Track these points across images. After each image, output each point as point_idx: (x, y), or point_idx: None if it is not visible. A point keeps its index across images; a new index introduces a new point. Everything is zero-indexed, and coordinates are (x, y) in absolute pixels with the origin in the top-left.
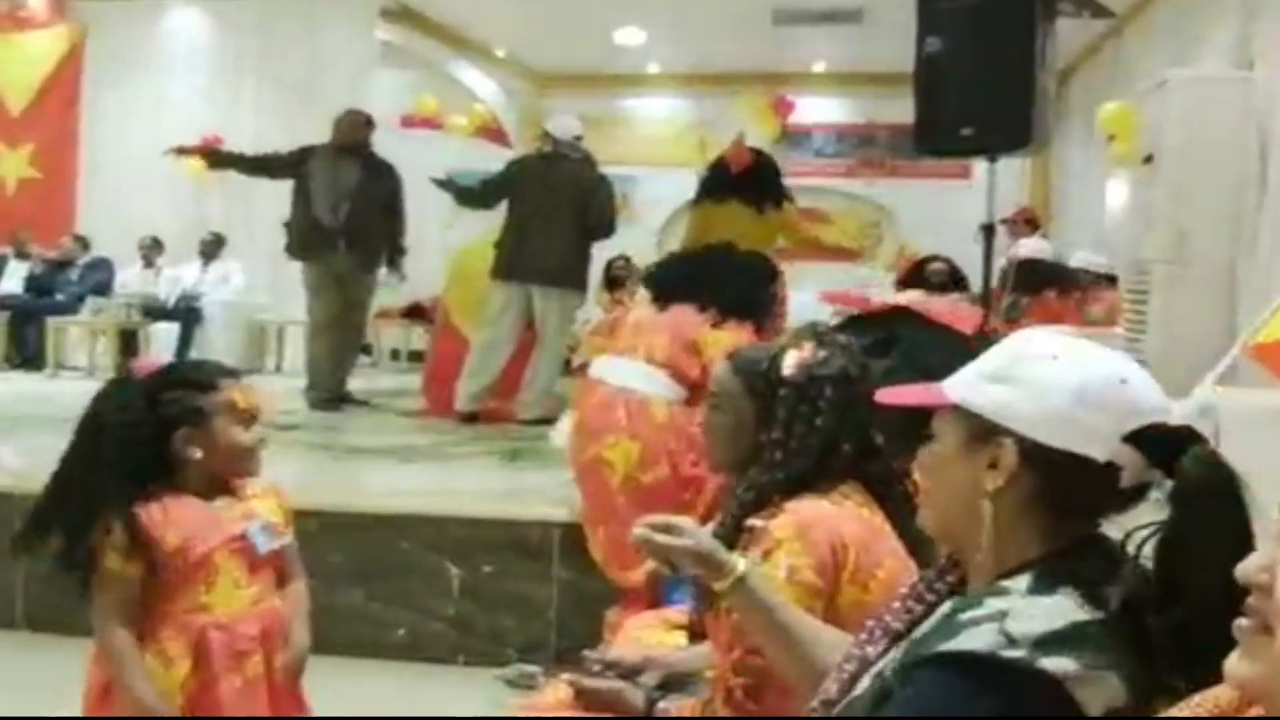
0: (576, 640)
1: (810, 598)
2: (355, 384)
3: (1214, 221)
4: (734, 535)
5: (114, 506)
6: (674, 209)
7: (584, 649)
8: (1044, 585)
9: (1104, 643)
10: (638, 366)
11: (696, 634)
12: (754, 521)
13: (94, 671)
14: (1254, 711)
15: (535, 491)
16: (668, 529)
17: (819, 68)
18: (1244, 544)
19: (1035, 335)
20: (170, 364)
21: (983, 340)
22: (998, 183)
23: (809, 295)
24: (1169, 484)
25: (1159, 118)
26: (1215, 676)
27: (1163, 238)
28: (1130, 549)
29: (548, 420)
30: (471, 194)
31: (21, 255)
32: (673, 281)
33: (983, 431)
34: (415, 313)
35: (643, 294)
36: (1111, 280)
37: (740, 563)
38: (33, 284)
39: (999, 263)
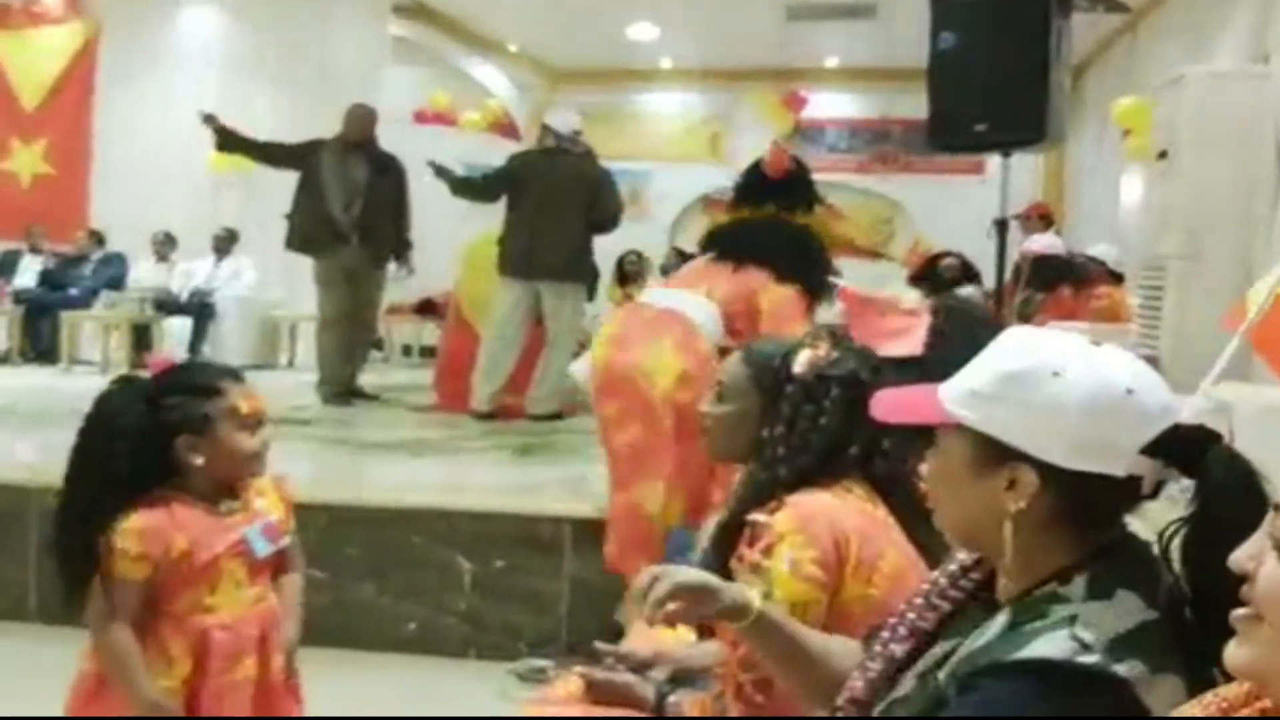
0: (588, 635)
1: (814, 591)
2: (367, 379)
3: (1229, 217)
4: (735, 530)
5: (115, 511)
6: (686, 204)
7: (595, 643)
8: (1100, 589)
9: (1166, 643)
10: (696, 299)
11: (705, 630)
12: (756, 516)
13: (86, 667)
14: (1262, 704)
15: (547, 486)
16: (659, 577)
17: (832, 63)
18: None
19: (1030, 344)
20: (173, 367)
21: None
22: (1011, 178)
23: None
24: (1184, 480)
25: (1174, 113)
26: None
27: (1177, 233)
28: (1159, 548)
29: (559, 415)
30: (469, 185)
31: (36, 250)
32: (741, 244)
33: (995, 454)
34: (427, 308)
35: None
36: (1114, 276)
37: (753, 600)
38: (47, 278)
39: (1012, 258)
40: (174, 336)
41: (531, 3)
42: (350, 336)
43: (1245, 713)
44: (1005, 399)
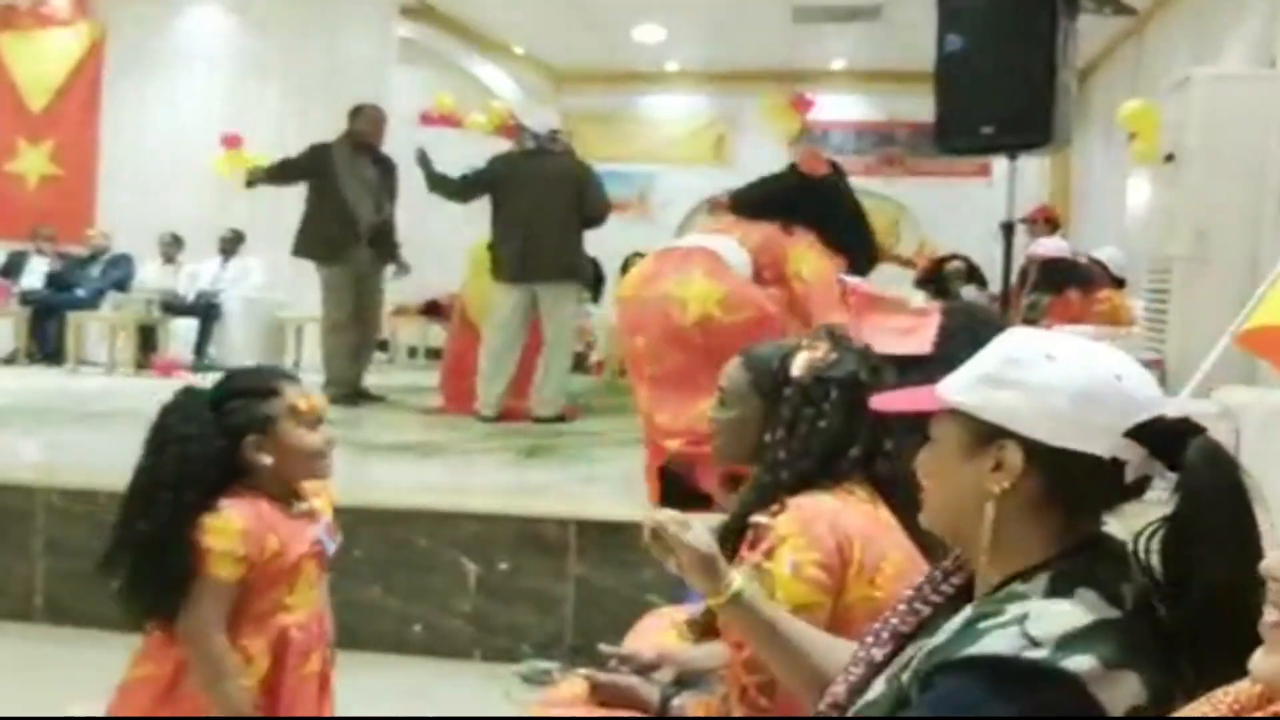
0: (592, 637)
1: (816, 593)
2: (372, 380)
3: (1235, 220)
4: (738, 532)
5: (195, 515)
6: (691, 206)
7: (599, 645)
8: (1061, 587)
9: (1124, 641)
10: (725, 239)
11: (706, 632)
12: (758, 518)
13: (145, 672)
14: (1275, 707)
15: (552, 488)
16: (683, 525)
17: (838, 65)
18: (1249, 534)
19: (1026, 335)
20: (230, 372)
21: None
22: (1017, 181)
23: None
24: (1171, 477)
25: (1180, 116)
26: (1225, 666)
27: (1183, 236)
28: (1136, 548)
29: (563, 418)
30: (445, 183)
31: (42, 251)
32: (798, 209)
33: (984, 435)
34: (432, 309)
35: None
36: (1115, 280)
37: (736, 579)
38: (53, 280)
39: (1018, 261)
40: (180, 338)
41: (537, 5)
42: (358, 338)
43: (1259, 715)
44: (999, 381)
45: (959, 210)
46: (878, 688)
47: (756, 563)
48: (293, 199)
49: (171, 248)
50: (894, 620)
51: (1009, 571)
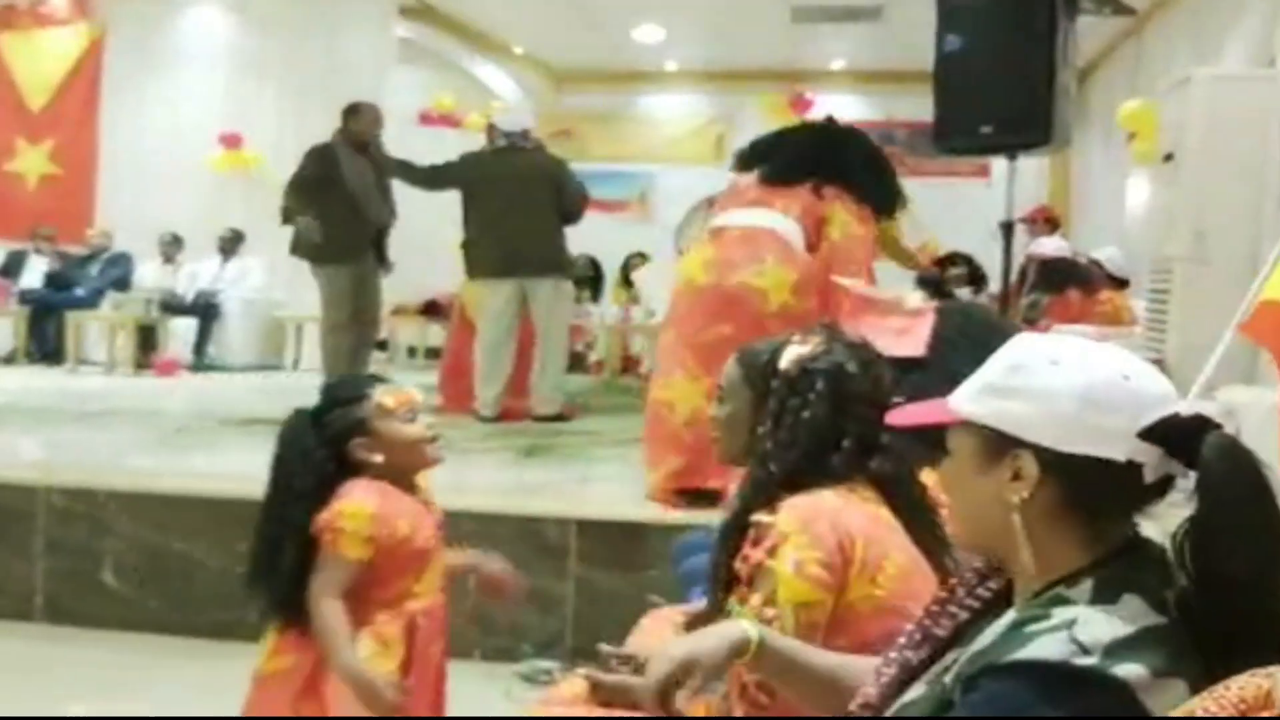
0: (593, 636)
1: (818, 591)
2: None
3: (1235, 220)
4: (739, 531)
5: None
6: (690, 206)
7: (600, 644)
8: (1107, 593)
9: (1170, 649)
10: (773, 215)
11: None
12: (759, 517)
13: (288, 662)
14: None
15: (551, 487)
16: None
17: (837, 65)
18: (1271, 528)
19: (1030, 341)
20: (327, 385)
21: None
22: (1017, 181)
23: None
24: (1194, 475)
25: (1180, 116)
26: (1255, 662)
27: (1183, 236)
28: (1173, 551)
29: (563, 417)
30: (408, 170)
31: (41, 251)
32: (806, 167)
33: (998, 445)
34: (432, 309)
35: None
36: (1115, 281)
37: (745, 627)
38: (52, 279)
39: (1017, 261)
40: (179, 337)
41: (537, 5)
42: (360, 338)
43: (1266, 714)
44: (1006, 390)
45: (958, 210)
46: (915, 690)
47: (759, 560)
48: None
49: (171, 247)
50: (928, 622)
51: (1049, 577)
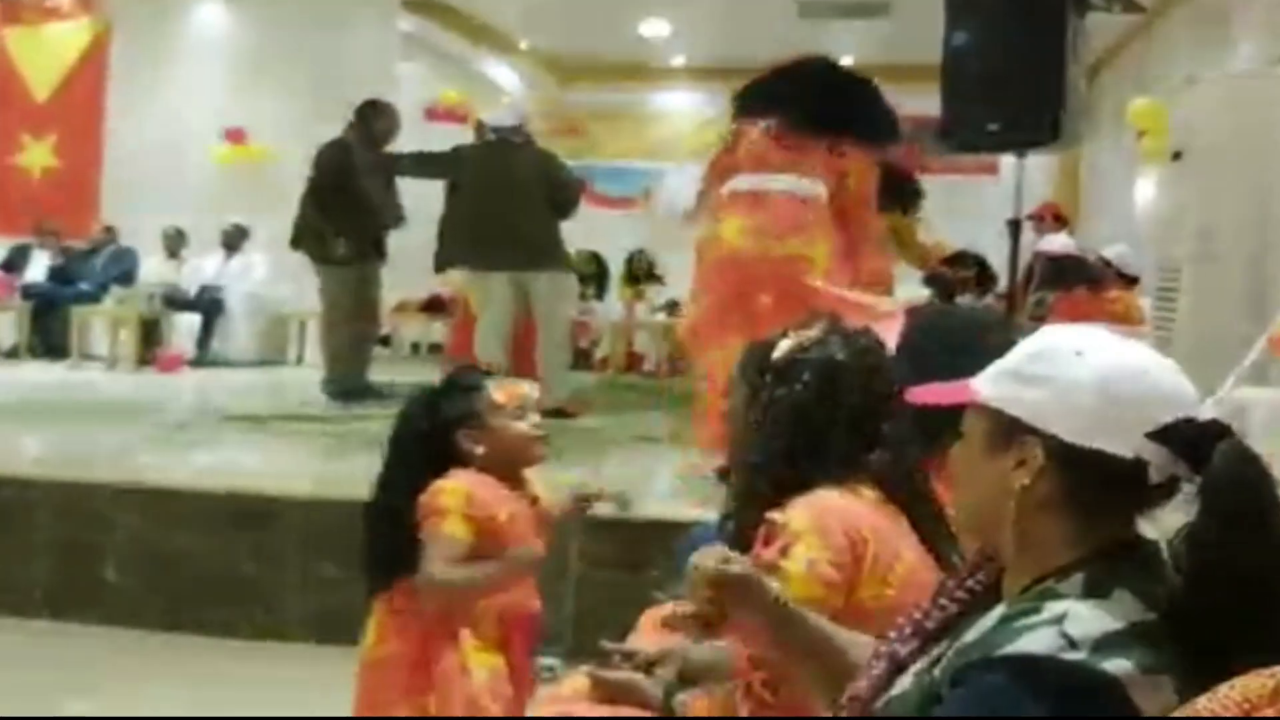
0: (595, 633)
1: (829, 590)
2: (374, 376)
3: (1243, 219)
4: (750, 528)
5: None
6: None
7: (602, 642)
8: (1098, 588)
9: (1160, 645)
10: (806, 183)
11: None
12: (772, 516)
13: (396, 647)
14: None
15: (554, 483)
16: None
17: (845, 61)
18: (1274, 538)
19: (1058, 331)
20: (445, 376)
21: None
22: (1025, 178)
23: None
24: (1199, 479)
25: (1189, 114)
26: (1256, 665)
27: (1191, 235)
28: (1168, 552)
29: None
30: (397, 159)
31: (45, 245)
32: (816, 112)
33: (1010, 430)
34: (434, 305)
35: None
36: (1125, 279)
37: (776, 586)
38: (56, 274)
39: (1025, 259)
40: (182, 332)
41: None
42: (358, 335)
43: (1269, 712)
44: (1026, 376)
45: (966, 207)
46: (904, 684)
47: (771, 560)
48: (295, 193)
49: (175, 242)
50: (918, 616)
51: (1040, 570)
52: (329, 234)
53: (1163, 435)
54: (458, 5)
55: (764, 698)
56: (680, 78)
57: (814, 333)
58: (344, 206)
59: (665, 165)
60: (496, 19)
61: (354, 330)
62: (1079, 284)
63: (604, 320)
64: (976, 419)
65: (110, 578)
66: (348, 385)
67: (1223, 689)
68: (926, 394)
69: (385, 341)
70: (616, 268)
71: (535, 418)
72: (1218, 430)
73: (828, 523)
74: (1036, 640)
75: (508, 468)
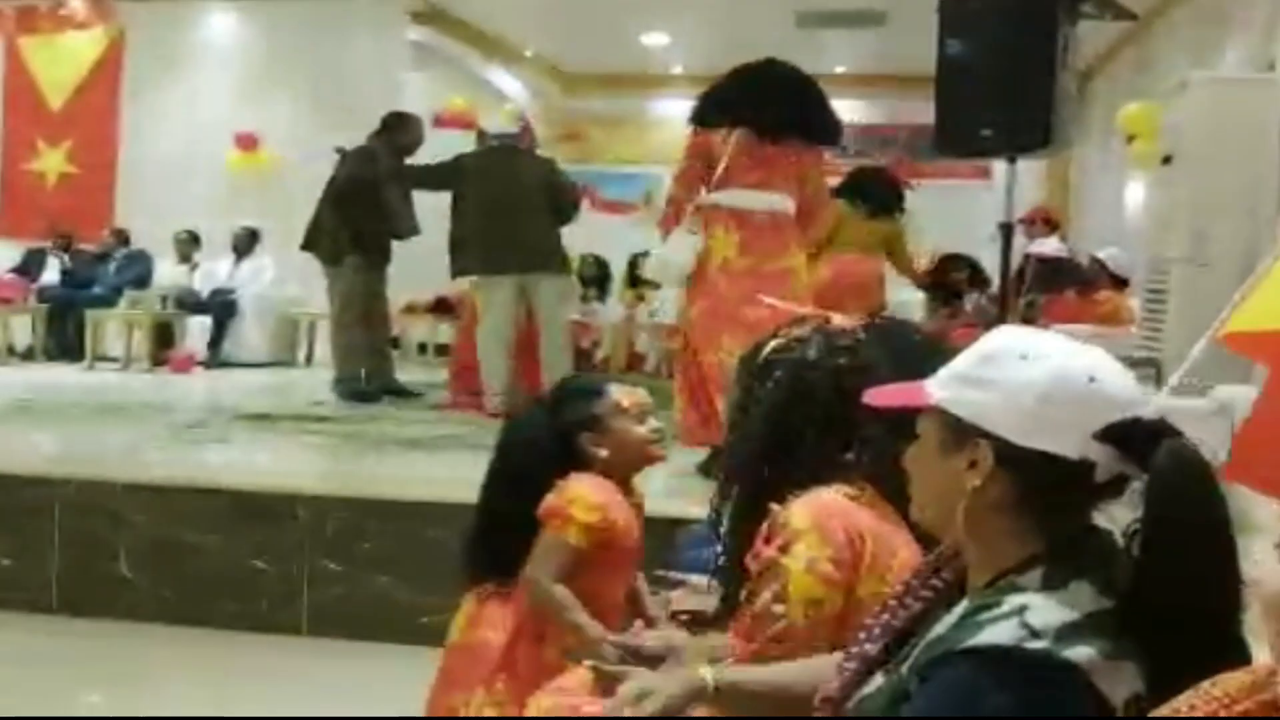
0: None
1: (828, 588)
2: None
3: (1233, 221)
4: (751, 525)
5: (536, 497)
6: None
7: (606, 636)
8: (1056, 579)
9: (1119, 632)
10: (784, 199)
11: (707, 624)
12: (773, 509)
13: (487, 634)
14: (1262, 697)
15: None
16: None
17: (841, 69)
18: (1218, 537)
19: (1007, 335)
20: (563, 380)
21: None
22: (1017, 183)
23: None
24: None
25: (1180, 119)
26: (1203, 660)
27: (1182, 238)
28: (1126, 544)
29: None
30: (408, 171)
31: (60, 249)
32: (786, 121)
33: (960, 432)
34: (442, 307)
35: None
36: (1116, 280)
37: (704, 676)
38: (67, 278)
39: (1017, 262)
40: (195, 334)
41: (547, 9)
42: (369, 336)
43: (1247, 704)
44: (974, 379)
45: (959, 212)
46: (874, 682)
47: (771, 557)
48: (305, 198)
49: (187, 246)
50: (885, 615)
51: (1000, 566)
52: (343, 239)
53: (1108, 435)
54: (465, 16)
55: None
56: (680, 85)
57: (800, 333)
58: (363, 212)
59: (665, 170)
60: (502, 29)
61: (365, 331)
62: (1069, 286)
63: (605, 322)
64: (930, 421)
65: (123, 574)
66: (359, 386)
67: (1204, 685)
68: (883, 397)
69: (394, 343)
70: (618, 270)
71: (654, 422)
72: (1162, 430)
73: (828, 521)
74: (999, 632)
75: (626, 470)
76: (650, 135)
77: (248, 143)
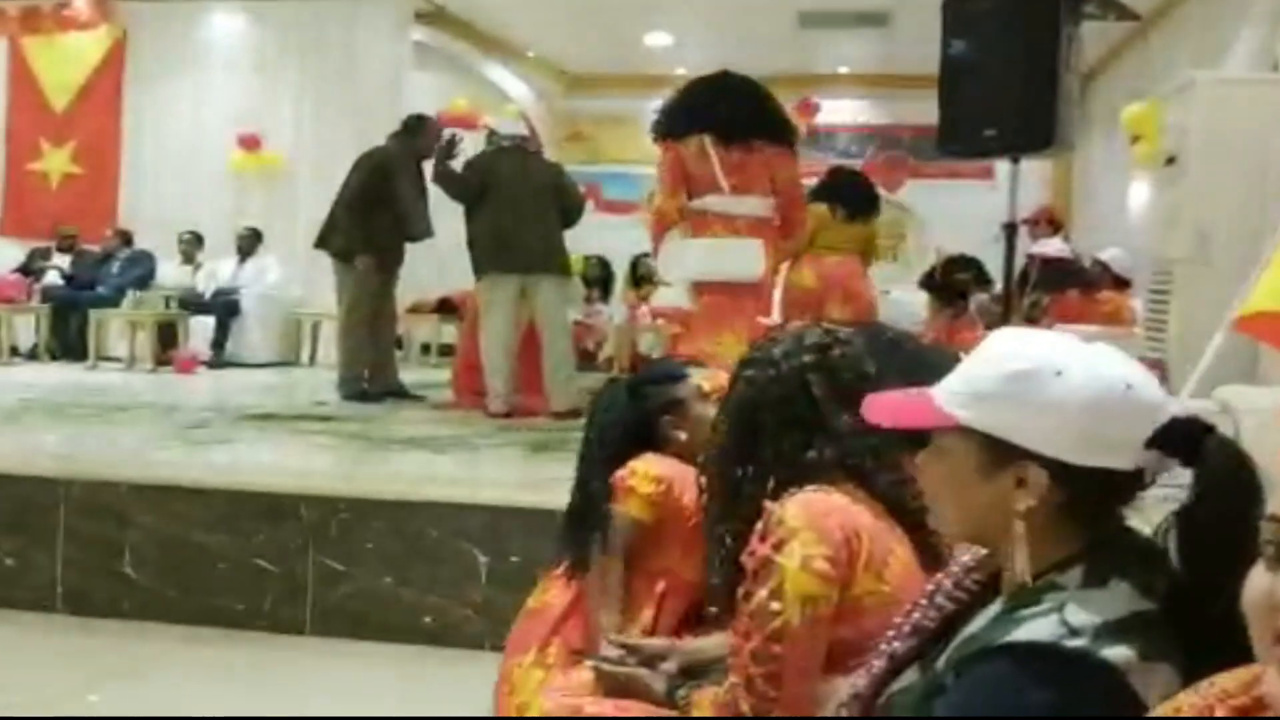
0: None
1: (823, 585)
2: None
3: (1237, 222)
4: (748, 523)
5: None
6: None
7: (609, 635)
8: (1095, 578)
9: (1158, 633)
10: (764, 202)
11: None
12: (770, 505)
13: (549, 599)
14: (1256, 693)
15: (561, 482)
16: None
17: (844, 70)
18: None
19: (1027, 349)
20: (646, 365)
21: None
22: (1020, 183)
23: None
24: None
25: (1183, 119)
26: (1246, 658)
27: (1185, 238)
28: (1159, 541)
29: (576, 414)
30: (452, 178)
31: (64, 249)
32: (752, 125)
33: (1002, 453)
34: (446, 307)
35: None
36: (1118, 281)
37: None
38: (70, 278)
39: (1020, 262)
40: (198, 334)
41: (550, 11)
42: (378, 337)
43: (1243, 699)
44: (1010, 399)
45: (962, 212)
46: (907, 677)
47: (766, 555)
48: (308, 199)
49: (191, 246)
50: (916, 615)
51: (1039, 566)
52: (357, 239)
53: (1154, 441)
54: (468, 16)
55: (766, 692)
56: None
57: (784, 334)
58: (378, 213)
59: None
60: (506, 30)
61: (372, 332)
62: (1072, 287)
63: (609, 322)
64: (960, 441)
65: (128, 573)
66: (362, 386)
67: (1203, 684)
68: (887, 414)
69: (397, 343)
70: (620, 270)
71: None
72: (1196, 424)
73: (824, 518)
74: (1037, 629)
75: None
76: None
77: (251, 143)
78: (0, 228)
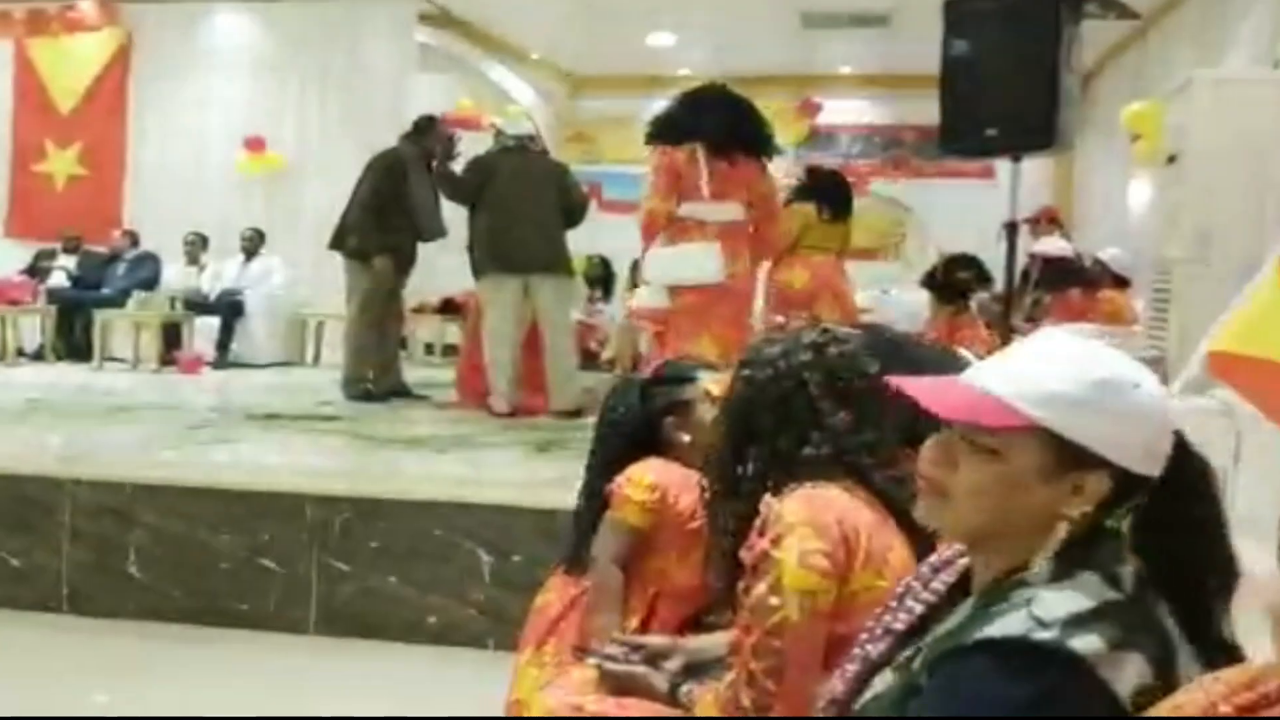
0: None
1: (822, 579)
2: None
3: (1238, 221)
4: (748, 519)
5: (611, 476)
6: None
7: (611, 634)
8: (1062, 572)
9: (1126, 622)
10: (733, 208)
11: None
12: (769, 504)
13: (550, 598)
14: (1265, 689)
15: (564, 481)
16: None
17: (846, 70)
18: (1214, 534)
19: (1107, 357)
20: (660, 365)
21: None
22: (1021, 182)
23: None
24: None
25: (1184, 118)
26: (1213, 641)
27: (1186, 238)
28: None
29: (578, 413)
30: (453, 180)
31: (70, 250)
32: (740, 139)
33: (1070, 458)
34: (449, 307)
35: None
36: (1118, 280)
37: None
38: (75, 279)
39: (1021, 261)
40: (203, 335)
41: (554, 12)
42: (385, 338)
43: (1246, 695)
44: (1092, 405)
45: (964, 211)
46: (882, 680)
47: (764, 550)
48: (313, 201)
49: (195, 248)
50: (887, 617)
51: (1012, 564)
52: (370, 240)
53: None
54: (472, 18)
55: (767, 687)
56: (686, 86)
57: (782, 336)
58: (391, 214)
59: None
60: (509, 31)
61: (379, 333)
62: (1073, 285)
63: (611, 322)
64: (1025, 443)
65: (133, 572)
66: (366, 387)
67: (1207, 679)
68: (955, 411)
69: (402, 343)
70: (622, 270)
71: None
72: (1178, 434)
73: (822, 515)
74: (1007, 624)
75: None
76: None
77: (256, 145)
78: (6, 229)
